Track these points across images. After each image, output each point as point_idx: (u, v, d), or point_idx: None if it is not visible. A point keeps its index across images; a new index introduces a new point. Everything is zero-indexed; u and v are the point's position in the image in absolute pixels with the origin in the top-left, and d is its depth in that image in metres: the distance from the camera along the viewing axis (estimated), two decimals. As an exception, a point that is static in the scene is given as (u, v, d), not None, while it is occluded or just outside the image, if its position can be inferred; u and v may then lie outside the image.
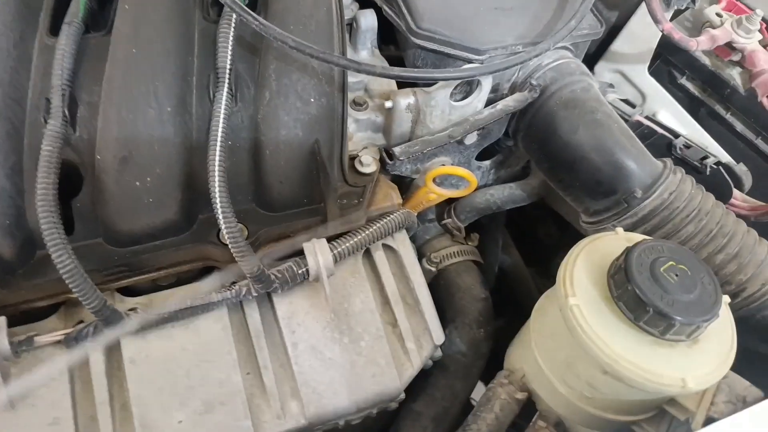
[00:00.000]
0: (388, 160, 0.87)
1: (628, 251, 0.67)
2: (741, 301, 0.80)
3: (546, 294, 0.82)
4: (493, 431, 0.79)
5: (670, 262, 0.67)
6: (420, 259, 1.04)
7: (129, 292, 0.78)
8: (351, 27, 0.96)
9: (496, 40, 0.84)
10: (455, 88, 0.84)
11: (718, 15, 0.92)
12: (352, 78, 0.89)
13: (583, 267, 0.71)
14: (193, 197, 0.75)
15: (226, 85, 0.72)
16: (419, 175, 0.94)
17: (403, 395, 0.81)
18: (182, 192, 0.73)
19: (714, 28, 0.91)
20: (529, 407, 0.84)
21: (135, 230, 0.72)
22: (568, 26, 0.77)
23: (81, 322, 0.74)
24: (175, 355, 0.73)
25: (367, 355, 0.78)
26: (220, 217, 0.69)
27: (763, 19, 0.93)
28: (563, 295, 0.69)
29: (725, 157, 0.94)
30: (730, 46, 0.90)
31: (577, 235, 1.14)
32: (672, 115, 0.98)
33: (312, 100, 0.75)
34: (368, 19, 0.91)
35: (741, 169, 0.89)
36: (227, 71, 0.72)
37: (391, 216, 0.86)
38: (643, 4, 0.93)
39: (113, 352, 0.73)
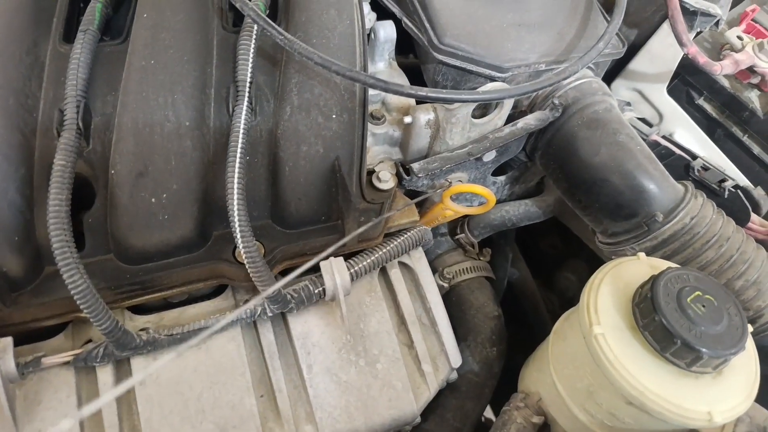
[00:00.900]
0: (405, 176, 0.86)
1: (654, 280, 0.66)
2: (758, 327, 0.79)
3: (565, 317, 0.81)
4: (509, 456, 0.78)
5: (697, 292, 0.66)
6: (432, 274, 1.03)
7: (139, 308, 0.75)
8: (369, 37, 0.94)
9: (519, 58, 0.82)
10: (476, 105, 0.83)
11: (739, 38, 0.91)
12: (370, 91, 0.87)
13: (607, 294, 0.70)
14: (208, 213, 0.72)
15: (246, 98, 0.70)
16: (435, 190, 0.92)
17: (419, 419, 0.79)
18: (198, 208, 0.70)
19: (735, 50, 0.90)
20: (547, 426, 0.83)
21: (148, 247, 0.69)
22: (596, 48, 0.75)
23: (90, 341, 0.72)
24: (187, 377, 0.71)
25: (384, 378, 0.76)
26: (238, 236, 0.66)
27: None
28: (587, 323, 0.68)
29: (743, 180, 0.93)
30: (750, 69, 0.90)
31: (580, 247, 1.13)
32: (690, 136, 0.97)
33: (334, 116, 0.73)
34: (387, 31, 0.89)
35: (759, 193, 0.89)
36: (247, 84, 0.70)
37: (408, 233, 0.84)
38: (664, 24, 0.92)
39: (123, 373, 0.71)
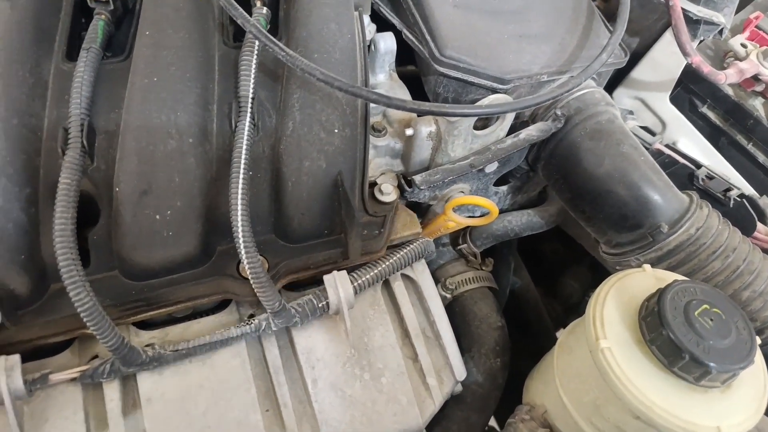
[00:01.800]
0: (406, 188, 0.86)
1: (661, 293, 0.66)
2: (766, 337, 0.79)
3: (570, 329, 0.80)
4: (516, 469, 0.78)
5: (704, 306, 0.65)
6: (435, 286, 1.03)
7: (144, 324, 0.75)
8: (369, 49, 0.94)
9: (521, 69, 0.82)
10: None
11: (743, 45, 0.91)
12: (372, 104, 0.87)
13: (613, 307, 0.70)
14: (211, 229, 0.72)
15: (249, 114, 0.70)
16: (437, 201, 0.92)
17: (424, 432, 0.79)
18: (202, 224, 0.70)
19: (739, 58, 0.90)
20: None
21: (152, 264, 0.69)
22: (600, 59, 0.75)
23: (96, 356, 0.72)
24: (192, 394, 0.71)
25: (389, 392, 0.76)
26: (242, 251, 0.66)
27: (788, 51, 0.92)
28: (593, 337, 0.68)
29: (747, 189, 0.93)
30: (754, 78, 0.89)
31: (583, 253, 1.13)
32: (693, 144, 0.97)
33: (336, 131, 0.73)
34: (387, 43, 0.89)
35: (765, 201, 0.88)
36: (249, 100, 0.70)
37: (411, 246, 0.84)
38: (667, 33, 0.91)
39: (129, 390, 0.71)
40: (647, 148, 0.95)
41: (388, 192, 0.83)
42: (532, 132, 0.85)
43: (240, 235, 0.66)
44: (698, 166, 0.91)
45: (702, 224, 0.79)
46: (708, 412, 0.63)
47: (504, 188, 1.01)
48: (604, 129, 0.83)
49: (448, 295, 1.01)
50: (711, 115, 0.97)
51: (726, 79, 0.84)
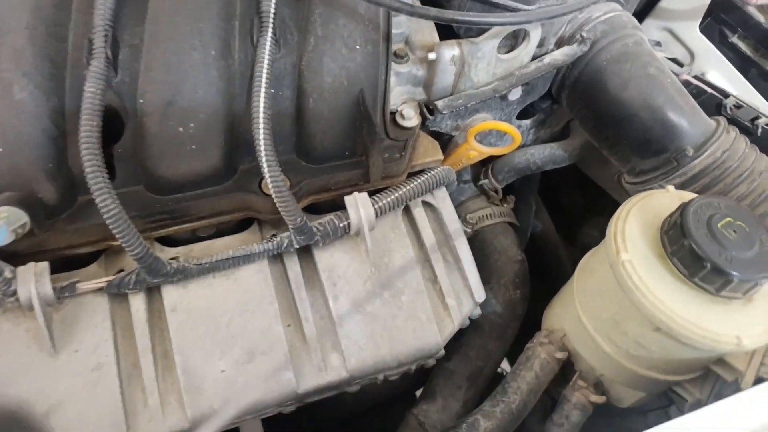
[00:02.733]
0: (428, 116, 0.85)
1: (684, 206, 0.65)
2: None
3: (591, 252, 0.80)
4: (533, 389, 0.79)
5: (728, 218, 0.65)
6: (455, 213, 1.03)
7: (168, 242, 0.77)
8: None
9: (547, -10, 0.80)
10: (502, 40, 0.82)
11: (776, -32, 0.88)
12: (393, 29, 0.86)
13: (635, 223, 0.70)
14: (234, 146, 0.73)
15: (270, 29, 0.70)
16: (459, 131, 0.92)
17: (442, 352, 0.80)
18: (225, 139, 0.71)
19: (771, -19, 0.87)
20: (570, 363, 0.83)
21: (177, 177, 0.70)
22: (625, -26, 0.73)
23: (122, 270, 0.74)
24: (217, 305, 0.73)
25: (408, 309, 0.77)
26: (264, 165, 0.67)
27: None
28: (614, 251, 0.68)
29: (777, 118, 0.91)
30: (788, 2, 0.86)
31: (603, 203, 1.12)
32: (722, 75, 0.94)
33: (358, 47, 0.73)
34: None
35: (794, 130, 0.86)
36: (271, 15, 0.70)
37: (432, 172, 0.84)
38: (698, -43, 0.89)
39: (154, 301, 0.73)
40: (674, 79, 0.93)
41: (410, 117, 0.82)
42: (557, 56, 0.83)
43: (262, 149, 0.67)
44: (726, 95, 0.89)
45: (728, 147, 0.77)
46: (729, 322, 0.63)
47: (527, 122, 1.00)
48: (631, 51, 0.81)
49: (469, 230, 1.01)
50: (741, 45, 0.94)
51: (757, 0, 0.81)
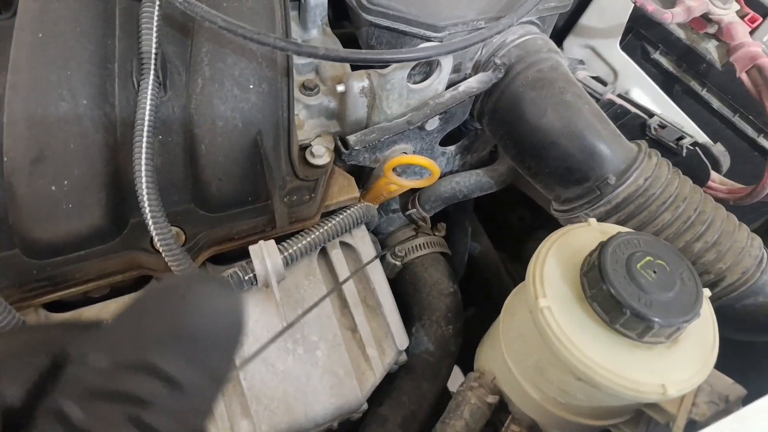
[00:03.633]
0: (343, 149, 0.80)
1: (601, 246, 0.61)
2: (720, 290, 0.75)
3: (515, 291, 0.76)
4: (463, 439, 0.74)
5: (647, 258, 0.61)
6: (384, 253, 0.98)
7: (60, 305, 0.70)
8: (300, 2, 0.88)
9: (456, 16, 0.76)
10: (413, 69, 0.77)
11: (693, -17, 0.85)
12: (301, 60, 0.81)
13: (555, 264, 0.66)
14: (121, 199, 0.66)
15: (152, 71, 0.64)
16: (379, 164, 0.87)
17: (365, 406, 0.75)
18: (107, 194, 0.64)
19: (688, -3, 0.84)
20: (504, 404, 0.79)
21: (55, 240, 0.63)
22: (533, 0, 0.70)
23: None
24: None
25: (324, 365, 0.72)
26: (150, 221, 0.61)
27: (740, -12, 0.87)
28: (533, 296, 0.63)
29: (702, 137, 0.89)
30: (706, 18, 0.84)
31: (550, 218, 1.09)
32: (645, 93, 0.92)
33: (251, 86, 0.67)
34: (317, -6, 0.83)
35: (718, 149, 0.84)
36: (152, 56, 0.64)
37: (348, 211, 0.79)
38: (614, -27, 0.86)
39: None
40: (598, 99, 0.90)
41: (320, 154, 0.78)
42: (471, 84, 0.79)
43: (145, 203, 0.61)
44: (650, 115, 0.86)
45: (650, 174, 0.74)
46: (652, 369, 0.59)
47: (452, 148, 0.96)
48: (546, 77, 0.77)
49: (398, 263, 0.96)
50: (663, 61, 0.92)
51: (673, 18, 0.79)
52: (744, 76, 0.80)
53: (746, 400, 0.63)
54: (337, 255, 0.79)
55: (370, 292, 0.79)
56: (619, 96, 0.90)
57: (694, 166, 0.83)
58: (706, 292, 0.64)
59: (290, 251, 0.72)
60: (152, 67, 0.64)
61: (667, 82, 0.93)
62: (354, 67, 0.81)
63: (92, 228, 0.65)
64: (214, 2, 0.67)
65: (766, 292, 0.74)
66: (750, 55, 0.80)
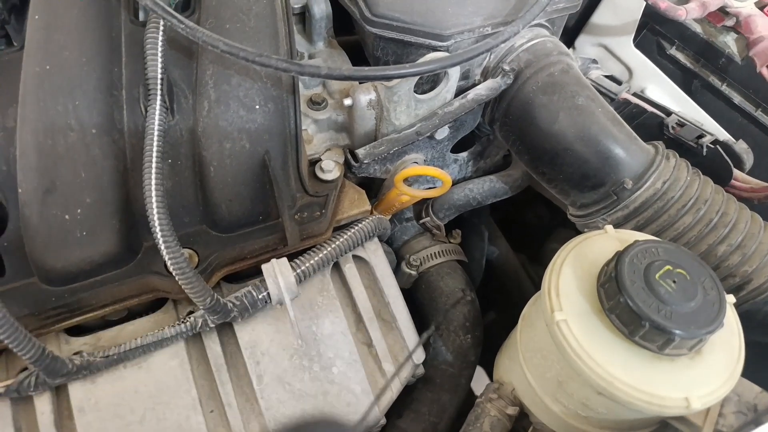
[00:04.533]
0: (353, 162, 0.80)
1: (618, 256, 0.60)
2: (746, 294, 0.73)
3: (532, 301, 0.75)
4: (484, 453, 0.73)
5: (667, 267, 0.59)
6: (399, 263, 0.97)
7: (77, 329, 0.71)
8: (305, 16, 0.88)
9: (462, 23, 0.75)
10: (420, 79, 0.76)
11: (708, -24, 0.82)
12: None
13: (571, 275, 0.64)
14: (133, 224, 0.67)
15: (159, 96, 0.64)
16: (390, 175, 0.86)
17: (383, 421, 0.74)
18: (120, 220, 0.65)
19: (703, -9, 0.82)
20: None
21: (70, 267, 0.64)
22: (539, 3, 0.68)
23: (25, 369, 0.67)
24: (127, 399, 0.67)
25: (341, 382, 0.71)
26: (162, 245, 0.61)
27: (759, -22, 0.84)
28: (549, 309, 0.62)
29: (723, 134, 0.86)
30: (723, 11, 0.81)
31: (568, 217, 1.07)
32: (662, 91, 0.89)
33: (257, 106, 0.67)
34: (321, 7, 0.83)
35: (741, 146, 0.81)
36: (158, 81, 0.64)
37: (360, 225, 0.78)
38: (625, -31, 0.84)
39: (62, 399, 0.67)
40: (613, 99, 0.88)
41: (330, 169, 0.77)
42: (480, 91, 0.78)
43: (157, 227, 0.61)
44: (668, 113, 0.84)
45: (669, 176, 0.72)
46: (675, 382, 0.57)
47: (464, 155, 0.95)
48: (557, 81, 0.76)
49: (414, 272, 0.95)
50: (680, 56, 0.89)
51: (687, 14, 0.76)
52: (765, 71, 0.77)
53: (776, 411, 0.61)
54: (350, 269, 0.78)
55: (384, 306, 0.79)
56: (635, 95, 0.87)
57: (715, 165, 0.80)
58: (730, 299, 0.61)
59: (303, 268, 0.72)
60: (158, 92, 0.64)
61: (684, 79, 0.90)
62: (361, 81, 0.80)
63: (106, 254, 0.65)
64: (218, 24, 0.67)
65: (795, 294, 0.71)
66: (771, 47, 0.77)
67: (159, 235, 0.61)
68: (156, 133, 0.63)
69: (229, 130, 0.66)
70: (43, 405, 0.66)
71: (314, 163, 0.79)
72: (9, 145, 0.63)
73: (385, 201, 0.85)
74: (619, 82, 0.89)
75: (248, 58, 0.59)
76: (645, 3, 0.81)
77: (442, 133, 0.81)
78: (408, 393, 0.87)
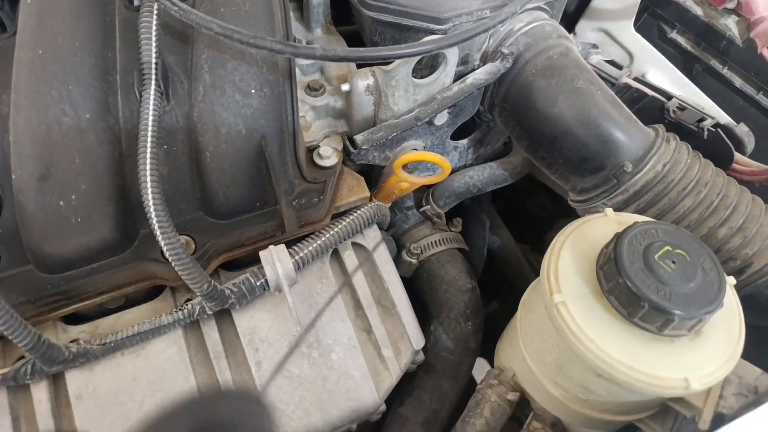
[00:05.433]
0: (351, 149, 0.79)
1: (617, 238, 0.59)
2: (747, 277, 0.72)
3: (532, 287, 0.74)
4: (484, 438, 0.73)
5: (666, 248, 0.59)
6: (400, 251, 0.97)
7: (75, 317, 0.71)
8: (302, 3, 0.87)
9: (459, 6, 0.74)
10: (419, 63, 0.76)
11: (708, -43, 0.82)
12: (305, 60, 0.80)
13: (570, 258, 0.64)
14: (129, 211, 0.67)
15: (153, 82, 0.64)
16: (389, 161, 0.85)
17: (383, 407, 0.74)
18: (115, 207, 0.65)
19: (704, -28, 0.81)
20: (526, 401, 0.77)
21: (66, 254, 0.64)
22: (537, -16, 0.67)
23: (21, 357, 0.67)
24: (126, 387, 0.67)
25: (340, 368, 0.71)
26: (158, 232, 0.61)
27: (759, -41, 0.83)
28: (548, 292, 0.62)
29: (724, 118, 0.85)
30: (723, -8, 0.80)
31: (571, 206, 1.06)
32: (663, 75, 0.88)
33: (253, 91, 0.66)
34: (318, -7, 0.82)
35: (742, 129, 0.80)
36: (153, 66, 0.64)
37: (359, 211, 0.78)
38: (624, -48, 0.83)
39: (60, 387, 0.67)
40: (613, 84, 0.87)
41: (328, 155, 0.77)
42: (479, 75, 0.77)
43: (153, 214, 0.60)
44: (669, 97, 0.83)
45: (669, 159, 0.72)
46: (674, 363, 0.57)
47: (464, 142, 0.94)
48: (557, 64, 0.75)
49: (414, 261, 0.95)
50: (681, 40, 0.88)
51: (690, -5, 0.76)
52: (766, 52, 0.76)
53: (777, 392, 0.61)
54: (349, 256, 0.78)
55: (383, 292, 0.78)
56: (636, 79, 0.86)
57: (716, 148, 0.79)
58: (730, 281, 0.61)
59: (301, 255, 0.71)
60: (153, 77, 0.64)
61: (685, 62, 0.89)
62: (359, 65, 0.80)
63: (102, 241, 0.65)
64: (212, 8, 0.66)
65: (797, 277, 0.71)
66: (772, 28, 0.77)
67: (155, 221, 0.61)
68: (151, 118, 0.62)
69: (225, 115, 0.66)
70: (41, 393, 0.65)
71: (312, 149, 0.78)
72: (3, 131, 0.63)
73: (384, 188, 0.85)
74: (620, 67, 0.88)
75: (242, 39, 0.58)
76: (644, -15, 0.80)
77: (442, 118, 0.80)
78: (409, 381, 0.87)
